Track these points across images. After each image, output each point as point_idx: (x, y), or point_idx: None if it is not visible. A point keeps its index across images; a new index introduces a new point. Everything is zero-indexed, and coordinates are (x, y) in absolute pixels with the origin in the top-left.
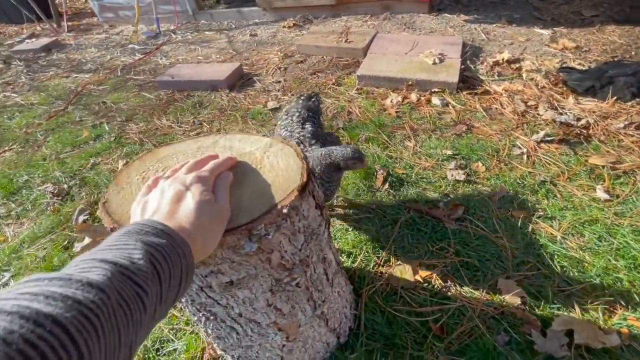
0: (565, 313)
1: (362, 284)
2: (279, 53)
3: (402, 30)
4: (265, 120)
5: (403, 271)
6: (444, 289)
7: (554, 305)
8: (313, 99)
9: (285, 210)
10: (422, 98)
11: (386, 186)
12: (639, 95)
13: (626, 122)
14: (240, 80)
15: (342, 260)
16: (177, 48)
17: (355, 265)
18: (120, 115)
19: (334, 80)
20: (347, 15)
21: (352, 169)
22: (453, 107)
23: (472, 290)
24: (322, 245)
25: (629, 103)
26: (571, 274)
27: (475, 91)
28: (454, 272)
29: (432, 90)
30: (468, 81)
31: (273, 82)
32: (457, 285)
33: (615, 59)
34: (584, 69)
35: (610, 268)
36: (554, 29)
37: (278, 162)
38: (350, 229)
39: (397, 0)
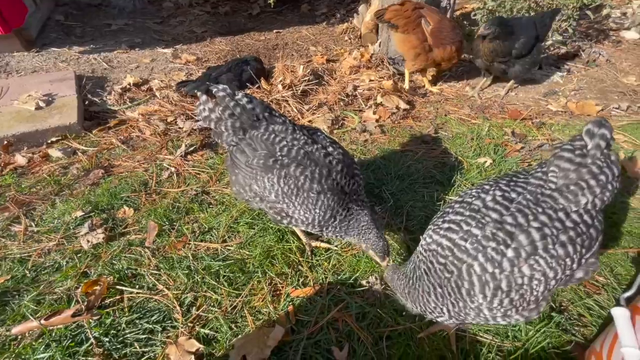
0: (240, 332)
1: None
2: None
3: None
4: None
5: None
6: None
7: (229, 331)
8: None
9: None
10: (36, 156)
11: None
12: (242, 86)
13: None
14: None
15: None
16: None
17: None
18: None
19: None
20: None
21: None
22: (83, 152)
23: None
24: None
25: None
26: (238, 280)
27: (108, 125)
28: None
29: (48, 141)
30: (98, 116)
31: None
32: None
33: (226, 62)
34: (194, 78)
35: (264, 253)
36: (175, 46)
37: None
38: None
39: None
